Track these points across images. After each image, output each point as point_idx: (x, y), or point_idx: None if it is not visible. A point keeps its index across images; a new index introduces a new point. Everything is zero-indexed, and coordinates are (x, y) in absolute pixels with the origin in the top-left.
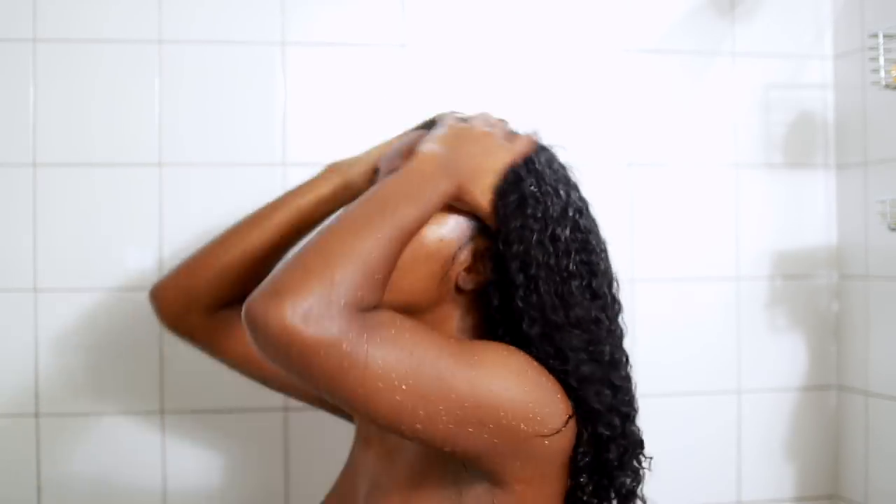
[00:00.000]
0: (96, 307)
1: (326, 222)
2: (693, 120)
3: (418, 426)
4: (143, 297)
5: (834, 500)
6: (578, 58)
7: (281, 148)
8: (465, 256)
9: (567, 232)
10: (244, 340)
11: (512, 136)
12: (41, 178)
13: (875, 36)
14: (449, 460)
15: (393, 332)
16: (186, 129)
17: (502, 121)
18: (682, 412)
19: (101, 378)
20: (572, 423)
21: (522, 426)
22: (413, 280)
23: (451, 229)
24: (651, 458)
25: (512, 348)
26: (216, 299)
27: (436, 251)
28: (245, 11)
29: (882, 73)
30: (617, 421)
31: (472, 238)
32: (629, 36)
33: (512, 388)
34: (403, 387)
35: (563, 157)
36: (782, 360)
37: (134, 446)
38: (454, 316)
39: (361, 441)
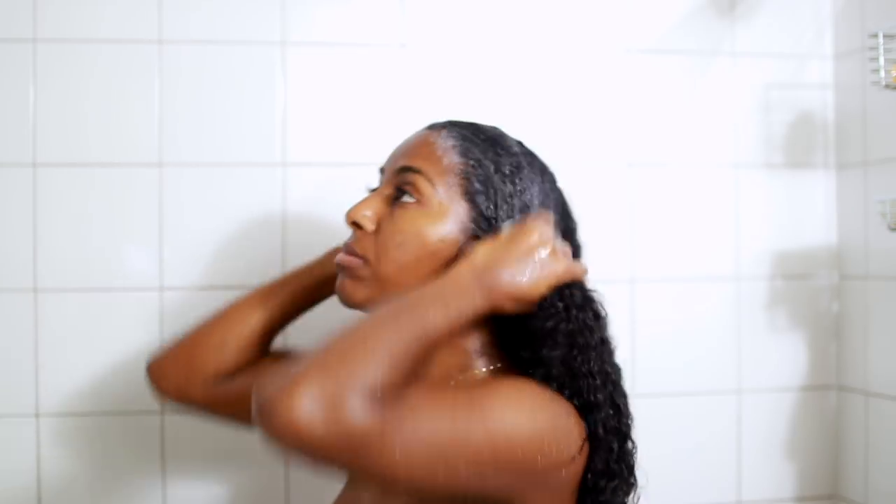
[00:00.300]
0: (96, 307)
1: (351, 323)
2: (693, 120)
3: (439, 483)
4: (143, 297)
5: (834, 500)
6: (579, 58)
7: (281, 148)
8: None
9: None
10: (244, 405)
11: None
12: (41, 178)
13: (875, 36)
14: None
15: (407, 410)
16: (186, 129)
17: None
18: (683, 412)
19: (101, 378)
20: (586, 444)
21: (540, 460)
22: (416, 280)
23: (451, 229)
24: (641, 473)
25: (522, 383)
26: (217, 372)
27: (437, 251)
28: (245, 11)
29: (882, 73)
30: (616, 441)
31: (474, 237)
32: (629, 36)
33: (526, 426)
34: (422, 455)
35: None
36: (782, 360)
37: (134, 446)
38: (467, 338)
39: (350, 483)
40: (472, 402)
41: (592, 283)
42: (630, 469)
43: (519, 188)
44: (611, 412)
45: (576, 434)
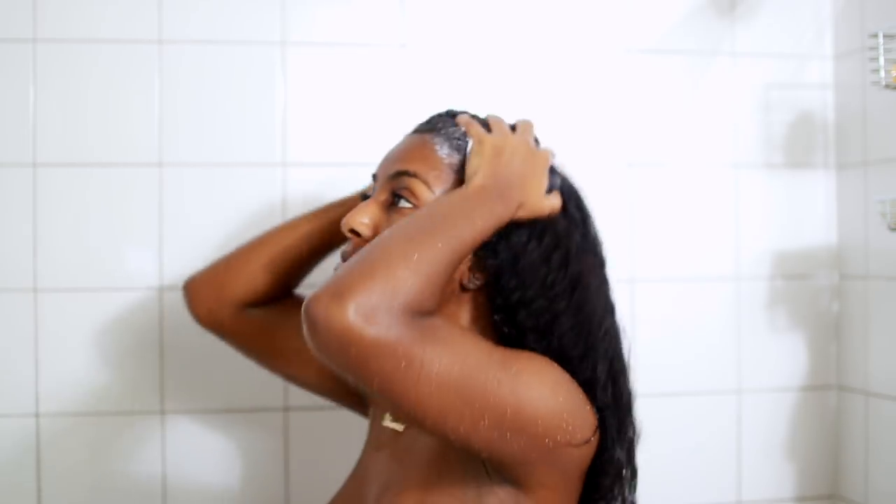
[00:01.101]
0: (96, 307)
1: (385, 231)
2: (693, 120)
3: (462, 430)
4: (144, 297)
5: (834, 500)
6: (579, 58)
7: (281, 148)
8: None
9: (574, 248)
10: (271, 338)
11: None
12: (41, 178)
13: (875, 36)
14: (468, 463)
15: (447, 337)
16: (186, 129)
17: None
18: (682, 412)
19: (101, 378)
20: (598, 434)
21: (557, 436)
22: None
23: None
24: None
25: (547, 359)
26: (248, 297)
27: None
28: (245, 11)
29: (882, 73)
30: (617, 418)
31: None
32: (630, 36)
33: (549, 399)
34: (454, 390)
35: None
36: (782, 360)
37: (134, 446)
38: (461, 315)
39: (372, 444)
40: (506, 358)
41: None
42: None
43: None
44: (609, 382)
45: (590, 421)
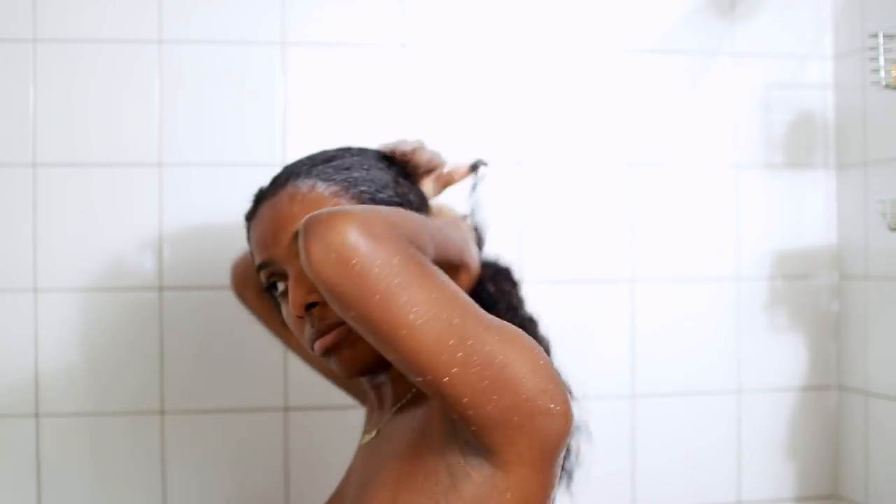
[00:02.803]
0: (96, 307)
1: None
2: (693, 120)
3: (454, 370)
4: (143, 297)
5: (834, 500)
6: (579, 58)
7: (281, 148)
8: None
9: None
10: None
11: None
12: (41, 178)
13: (875, 36)
14: (441, 454)
15: (439, 273)
16: (186, 129)
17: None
18: (682, 412)
19: (101, 378)
20: (572, 415)
21: (539, 400)
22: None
23: None
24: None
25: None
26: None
27: None
28: (245, 11)
29: (882, 73)
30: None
31: None
32: (630, 36)
33: (533, 360)
34: (448, 322)
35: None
36: (782, 360)
37: (134, 446)
38: None
39: (363, 436)
40: (493, 318)
41: (593, 282)
42: None
43: (378, 173)
44: None
45: (566, 393)
